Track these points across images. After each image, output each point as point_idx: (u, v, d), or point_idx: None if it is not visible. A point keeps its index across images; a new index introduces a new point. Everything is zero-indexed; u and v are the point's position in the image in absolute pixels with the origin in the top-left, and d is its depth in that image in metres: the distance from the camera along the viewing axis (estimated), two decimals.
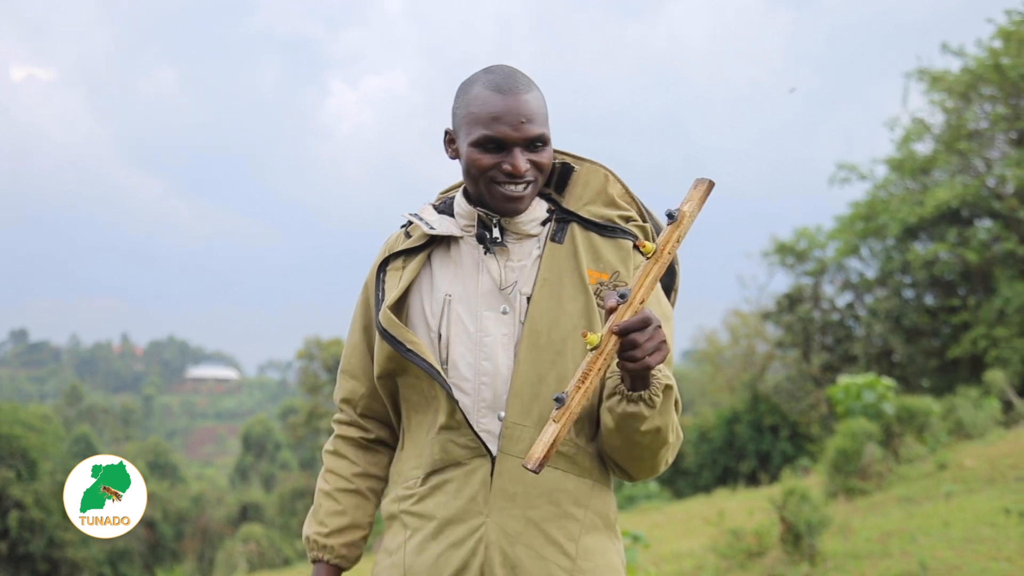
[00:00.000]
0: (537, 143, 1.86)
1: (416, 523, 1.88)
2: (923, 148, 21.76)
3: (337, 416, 2.09)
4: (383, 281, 1.96)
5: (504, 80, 1.86)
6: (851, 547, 7.34)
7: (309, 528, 2.01)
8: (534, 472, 1.55)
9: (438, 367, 1.84)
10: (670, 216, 1.65)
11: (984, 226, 20.17)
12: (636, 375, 1.70)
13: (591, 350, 1.60)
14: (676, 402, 1.82)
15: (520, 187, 1.86)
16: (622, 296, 1.61)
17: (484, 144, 1.85)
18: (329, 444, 2.08)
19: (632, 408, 1.74)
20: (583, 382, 1.58)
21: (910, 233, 20.80)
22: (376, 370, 1.94)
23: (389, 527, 1.95)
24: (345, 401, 2.06)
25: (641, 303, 1.62)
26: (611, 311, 1.62)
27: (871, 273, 22.69)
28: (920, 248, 20.77)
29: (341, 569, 2.01)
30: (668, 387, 1.77)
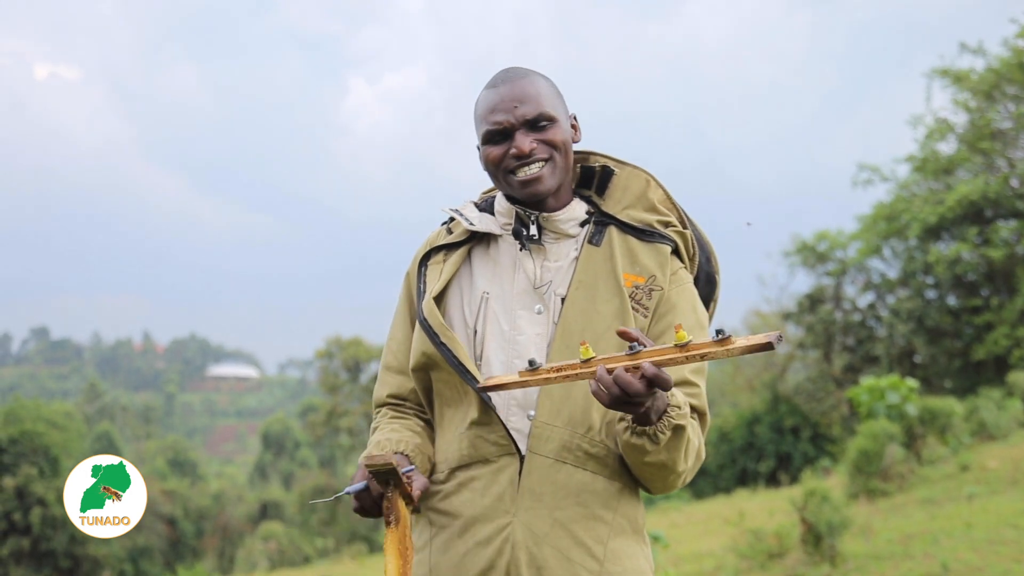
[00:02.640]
0: (539, 122, 1.86)
1: (442, 521, 1.88)
2: (946, 148, 21.63)
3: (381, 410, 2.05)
4: (424, 275, 1.97)
5: (499, 76, 1.91)
6: (872, 548, 7.31)
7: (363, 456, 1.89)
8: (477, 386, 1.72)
9: (470, 365, 1.84)
10: (719, 332, 1.54)
11: (1007, 225, 20.02)
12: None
13: (582, 361, 1.62)
14: (704, 420, 1.83)
15: (534, 167, 1.86)
16: (631, 348, 1.59)
17: (489, 138, 1.88)
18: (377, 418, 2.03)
19: (636, 440, 1.74)
20: (557, 371, 1.63)
21: (932, 233, 20.66)
22: (411, 362, 1.95)
23: (415, 524, 1.94)
24: (393, 397, 2.03)
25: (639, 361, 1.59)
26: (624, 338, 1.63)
27: (893, 273, 22.55)
28: (942, 248, 20.63)
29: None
30: (678, 427, 1.72)
